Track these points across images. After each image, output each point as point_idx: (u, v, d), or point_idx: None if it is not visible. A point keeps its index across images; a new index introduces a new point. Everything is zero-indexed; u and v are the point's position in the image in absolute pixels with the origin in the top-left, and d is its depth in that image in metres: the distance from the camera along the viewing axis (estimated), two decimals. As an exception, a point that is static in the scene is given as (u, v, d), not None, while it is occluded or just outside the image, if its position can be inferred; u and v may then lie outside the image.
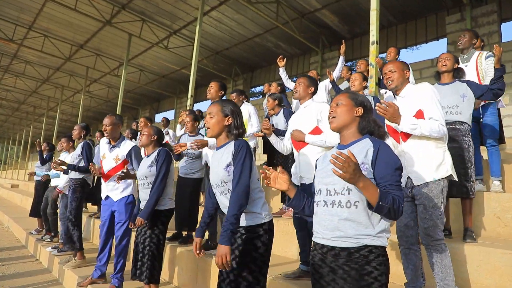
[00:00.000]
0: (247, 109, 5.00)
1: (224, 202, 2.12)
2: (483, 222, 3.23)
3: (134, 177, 3.54)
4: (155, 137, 3.26)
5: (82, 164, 4.46)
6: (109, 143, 3.74)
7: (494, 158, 3.59)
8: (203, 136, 4.79)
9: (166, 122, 7.36)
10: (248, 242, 2.03)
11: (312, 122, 2.91)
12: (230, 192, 2.05)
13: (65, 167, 4.39)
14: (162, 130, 6.84)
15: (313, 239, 1.67)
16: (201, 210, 5.12)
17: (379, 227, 1.53)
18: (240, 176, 2.00)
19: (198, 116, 4.78)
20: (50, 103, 21.79)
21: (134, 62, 15.05)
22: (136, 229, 3.18)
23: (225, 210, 2.12)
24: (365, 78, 3.95)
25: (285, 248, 3.92)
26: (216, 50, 13.49)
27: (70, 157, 4.93)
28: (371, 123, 1.71)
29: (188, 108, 7.40)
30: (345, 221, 1.53)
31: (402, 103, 2.46)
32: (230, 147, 2.10)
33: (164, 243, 3.13)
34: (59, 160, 4.20)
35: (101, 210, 3.77)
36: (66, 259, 4.55)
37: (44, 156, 6.84)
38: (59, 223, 5.49)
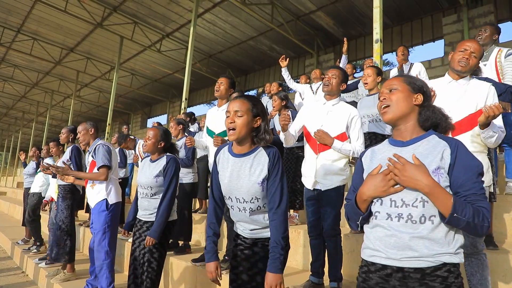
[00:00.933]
0: None
1: (245, 218, 1.87)
2: (501, 227, 3.05)
3: (82, 175, 3.48)
4: (163, 144, 2.95)
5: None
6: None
7: (510, 158, 3.42)
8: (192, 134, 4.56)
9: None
10: (257, 255, 1.82)
11: (340, 126, 2.69)
12: (261, 208, 1.83)
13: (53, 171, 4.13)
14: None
15: (368, 258, 1.35)
16: (195, 217, 4.88)
17: (457, 242, 1.26)
18: (282, 193, 1.78)
19: (182, 120, 4.59)
20: (40, 108, 21.35)
21: (126, 66, 14.77)
22: (133, 241, 2.92)
23: (243, 224, 1.91)
24: (380, 73, 3.72)
25: (289, 257, 3.69)
26: (209, 53, 13.29)
27: (60, 163, 4.66)
28: (437, 113, 1.40)
29: (182, 112, 7.16)
30: (419, 239, 1.23)
31: None
32: (262, 156, 1.82)
33: (165, 257, 2.87)
34: (47, 163, 3.93)
35: (91, 218, 3.52)
36: (54, 271, 4.26)
37: (37, 163, 6.54)
38: (47, 232, 5.18)
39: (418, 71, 5.14)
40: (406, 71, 5.02)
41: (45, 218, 6.64)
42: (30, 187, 6.30)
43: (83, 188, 4.39)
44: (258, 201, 1.82)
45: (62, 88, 17.98)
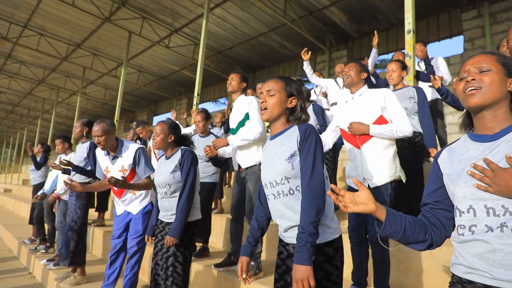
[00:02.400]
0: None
1: (281, 207, 1.62)
2: None
3: (134, 187, 3.02)
4: (172, 137, 2.73)
5: (89, 168, 3.97)
6: (108, 153, 3.24)
7: None
8: (215, 135, 4.33)
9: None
10: (316, 268, 1.50)
11: (375, 111, 2.44)
12: (295, 191, 1.57)
13: (66, 168, 3.91)
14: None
15: (463, 275, 1.11)
16: (213, 218, 4.63)
17: None
18: (313, 169, 1.52)
19: (210, 115, 4.32)
20: (45, 105, 21.21)
21: (133, 63, 14.55)
22: (154, 244, 2.68)
23: (280, 220, 1.65)
24: (404, 67, 3.48)
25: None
26: (218, 49, 13.02)
27: (68, 159, 4.42)
28: None
29: (194, 107, 6.91)
30: None
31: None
32: (294, 132, 1.63)
33: (191, 261, 2.62)
34: (65, 160, 3.68)
35: (115, 223, 3.28)
36: (64, 274, 4.02)
37: (38, 159, 6.30)
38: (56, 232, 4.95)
39: (438, 65, 4.91)
40: (433, 62, 4.78)
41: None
42: (37, 184, 6.09)
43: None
44: (289, 182, 1.58)
45: (68, 85, 17.81)
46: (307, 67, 5.27)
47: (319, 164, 1.54)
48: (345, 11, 10.11)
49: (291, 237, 1.63)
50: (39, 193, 5.41)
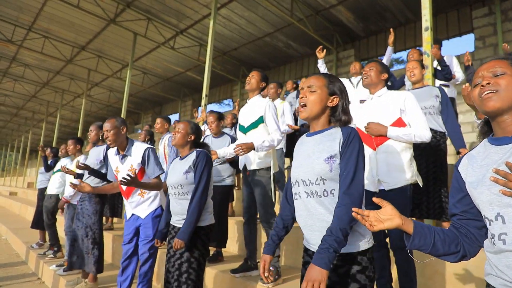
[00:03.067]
0: (282, 105, 4.66)
1: (313, 206, 1.52)
2: None
3: (143, 186, 2.92)
4: (193, 137, 2.65)
5: (103, 171, 3.88)
6: (118, 153, 3.15)
7: None
8: (229, 135, 4.24)
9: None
10: (348, 277, 1.42)
11: (394, 113, 2.34)
12: (329, 194, 1.48)
13: (80, 172, 3.83)
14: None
15: (499, 286, 1.04)
16: (230, 221, 4.53)
17: None
18: (354, 176, 1.44)
19: (223, 115, 4.22)
20: (50, 108, 21.19)
21: (137, 65, 14.50)
22: (167, 251, 2.58)
23: (309, 221, 1.55)
24: (423, 66, 3.39)
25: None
26: (224, 50, 12.93)
27: (74, 163, 4.35)
28: None
29: (202, 108, 6.82)
30: None
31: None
32: (336, 133, 1.55)
33: (205, 267, 2.51)
34: (82, 164, 3.58)
35: (125, 228, 3.17)
36: (75, 280, 3.93)
37: (49, 162, 6.22)
38: (64, 237, 4.85)
39: (452, 64, 4.82)
40: (448, 62, 4.66)
41: (60, 222, 6.37)
42: (44, 188, 6.01)
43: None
44: (324, 184, 1.49)
45: (72, 88, 17.78)
46: (321, 65, 5.15)
47: (360, 172, 1.47)
48: (352, 10, 10.00)
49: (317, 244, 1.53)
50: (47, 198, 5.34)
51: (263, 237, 3.42)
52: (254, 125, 3.13)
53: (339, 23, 10.69)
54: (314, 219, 1.53)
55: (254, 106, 3.19)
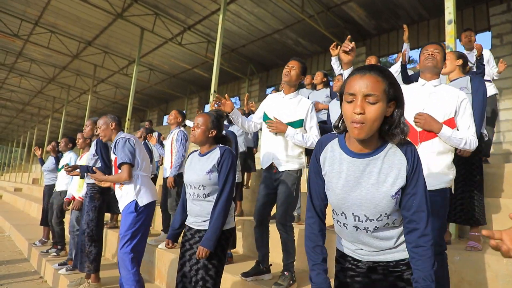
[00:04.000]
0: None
1: (368, 240, 1.34)
2: None
3: (110, 179, 2.97)
4: (214, 132, 2.41)
5: (98, 165, 3.71)
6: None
7: None
8: (234, 133, 4.04)
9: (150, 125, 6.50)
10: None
11: (449, 111, 2.13)
12: (390, 225, 1.33)
13: (77, 170, 3.66)
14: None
15: None
16: (238, 221, 4.34)
17: None
18: (429, 214, 1.30)
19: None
20: (56, 104, 21.13)
21: (144, 61, 14.33)
22: (181, 254, 2.39)
23: (363, 253, 1.38)
24: (461, 56, 3.14)
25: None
26: (231, 47, 12.72)
27: (85, 159, 4.18)
28: None
29: (212, 103, 6.63)
30: None
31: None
32: (396, 155, 1.30)
33: (222, 274, 2.31)
34: (70, 166, 3.46)
35: None
36: (77, 281, 3.76)
37: (58, 156, 6.07)
38: (68, 235, 4.69)
39: (487, 58, 4.61)
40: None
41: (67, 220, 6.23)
42: (51, 184, 5.85)
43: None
44: (387, 218, 1.28)
45: (78, 84, 17.68)
46: (335, 63, 4.95)
47: (428, 199, 1.29)
48: (365, 6, 9.75)
49: (370, 256, 1.37)
50: (54, 195, 5.19)
51: (274, 239, 3.21)
52: (292, 125, 2.91)
53: (350, 20, 10.45)
54: (367, 246, 1.36)
55: (293, 105, 2.96)
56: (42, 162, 6.07)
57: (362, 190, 1.27)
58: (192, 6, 10.25)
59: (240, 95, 15.29)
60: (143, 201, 2.94)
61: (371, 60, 4.91)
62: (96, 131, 3.77)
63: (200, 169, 2.33)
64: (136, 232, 2.88)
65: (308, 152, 4.66)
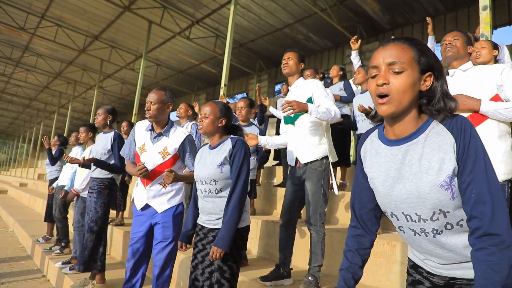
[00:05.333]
0: None
1: (429, 246, 1.08)
2: None
3: (184, 179, 2.50)
4: (224, 121, 2.18)
5: (112, 162, 3.47)
6: (152, 129, 2.63)
7: None
8: (257, 126, 3.80)
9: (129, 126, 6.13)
10: None
11: (489, 89, 1.89)
12: (454, 226, 1.03)
13: (86, 162, 3.42)
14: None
15: None
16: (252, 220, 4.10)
17: None
18: (493, 200, 0.94)
19: (254, 103, 3.79)
20: (62, 99, 21.02)
21: (151, 56, 14.12)
22: (193, 255, 2.15)
23: (436, 266, 1.11)
24: (496, 46, 2.91)
25: (381, 277, 2.86)
26: (240, 42, 12.47)
27: (88, 151, 3.94)
28: None
29: (222, 95, 6.39)
30: None
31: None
32: (442, 135, 1.01)
33: (238, 277, 2.07)
34: (87, 159, 3.21)
35: (134, 223, 2.68)
36: (82, 281, 3.53)
37: (54, 152, 5.85)
38: (73, 232, 4.46)
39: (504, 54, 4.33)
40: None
41: (72, 215, 6.02)
42: (53, 178, 5.65)
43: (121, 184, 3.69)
44: (445, 217, 1.00)
45: (84, 79, 17.53)
46: (355, 58, 4.66)
47: (497, 188, 0.95)
48: (379, 0, 9.45)
49: (444, 269, 1.09)
50: (54, 186, 4.98)
51: (300, 241, 2.96)
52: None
53: (364, 14, 10.14)
54: (434, 256, 1.09)
55: (300, 90, 2.78)
56: (50, 153, 5.83)
57: (406, 183, 1.02)
58: (201, -1, 10.02)
59: (248, 91, 15.03)
60: (183, 203, 2.71)
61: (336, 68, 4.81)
62: (109, 119, 3.53)
63: (211, 162, 2.11)
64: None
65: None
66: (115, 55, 14.22)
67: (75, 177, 4.24)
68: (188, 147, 2.60)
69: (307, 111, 2.53)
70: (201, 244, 2.14)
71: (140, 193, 2.65)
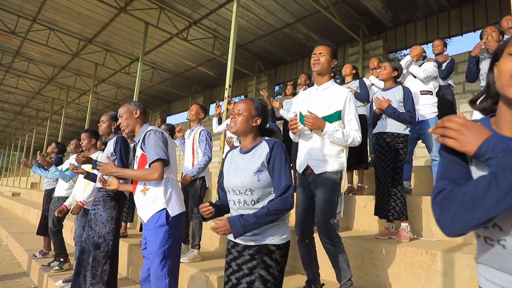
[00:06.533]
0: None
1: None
2: None
3: (126, 174, 2.42)
4: (259, 121, 1.88)
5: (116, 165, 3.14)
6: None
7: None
8: (278, 128, 3.49)
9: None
10: None
11: None
12: None
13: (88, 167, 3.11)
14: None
15: None
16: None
17: None
18: None
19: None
20: (55, 105, 20.53)
21: (146, 59, 13.74)
22: (226, 277, 1.83)
23: None
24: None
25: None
26: (239, 43, 12.16)
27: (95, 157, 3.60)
28: None
29: (226, 101, 6.07)
30: None
31: None
32: None
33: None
34: (83, 156, 2.89)
35: (142, 239, 2.47)
36: (87, 304, 3.18)
37: (53, 159, 5.47)
38: (73, 246, 4.11)
39: None
40: None
41: (67, 227, 5.64)
42: (50, 189, 5.28)
43: (130, 194, 3.35)
44: None
45: (78, 84, 17.09)
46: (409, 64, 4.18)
47: None
48: (382, -4, 9.22)
49: None
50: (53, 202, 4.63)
51: (322, 251, 2.62)
52: (328, 119, 2.41)
53: (366, 11, 9.90)
54: None
55: (329, 96, 2.48)
56: (41, 167, 5.45)
57: None
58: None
59: (247, 93, 14.71)
60: (174, 210, 2.36)
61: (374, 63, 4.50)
62: (114, 126, 3.23)
63: (245, 169, 1.80)
64: (170, 249, 2.30)
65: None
66: (110, 58, 13.84)
67: (76, 188, 3.89)
68: (146, 140, 2.42)
69: (322, 129, 2.29)
70: (236, 264, 1.81)
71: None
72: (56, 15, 11.01)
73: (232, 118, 1.88)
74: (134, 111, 2.56)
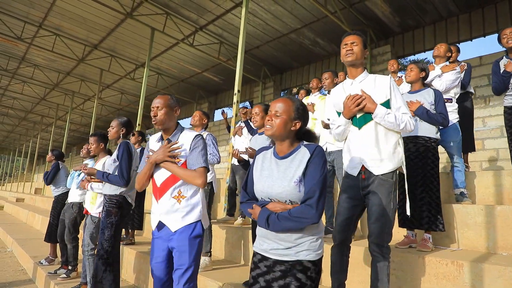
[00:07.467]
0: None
1: None
2: None
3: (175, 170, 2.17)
4: (298, 124, 1.71)
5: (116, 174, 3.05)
6: (161, 139, 2.35)
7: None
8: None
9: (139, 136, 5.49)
10: None
11: None
12: None
13: (94, 177, 3.03)
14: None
15: None
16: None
17: None
18: None
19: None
20: (59, 111, 20.53)
21: (151, 65, 13.71)
22: (252, 280, 1.71)
23: None
24: None
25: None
26: (245, 48, 12.06)
27: (101, 165, 3.51)
28: None
29: (234, 106, 5.99)
30: None
31: None
32: None
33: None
34: (85, 166, 2.80)
35: (152, 248, 2.28)
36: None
37: (51, 168, 5.38)
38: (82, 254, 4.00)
39: None
40: None
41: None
42: (59, 195, 5.20)
43: (139, 202, 3.25)
44: None
45: (83, 90, 17.10)
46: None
47: None
48: (390, 2, 9.15)
49: None
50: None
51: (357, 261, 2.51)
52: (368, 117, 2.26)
53: (373, 17, 9.85)
54: None
55: (370, 86, 2.29)
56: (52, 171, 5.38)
57: None
58: (205, 5, 9.69)
59: (253, 98, 14.64)
60: (206, 223, 2.26)
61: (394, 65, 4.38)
62: (122, 131, 3.15)
63: (284, 177, 1.63)
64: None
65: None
66: (115, 64, 13.83)
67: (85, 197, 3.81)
68: (194, 146, 2.23)
69: (372, 113, 2.13)
70: (264, 280, 1.66)
71: (153, 209, 2.28)
72: (62, 21, 11.03)
73: (268, 120, 1.71)
74: (175, 108, 2.35)
